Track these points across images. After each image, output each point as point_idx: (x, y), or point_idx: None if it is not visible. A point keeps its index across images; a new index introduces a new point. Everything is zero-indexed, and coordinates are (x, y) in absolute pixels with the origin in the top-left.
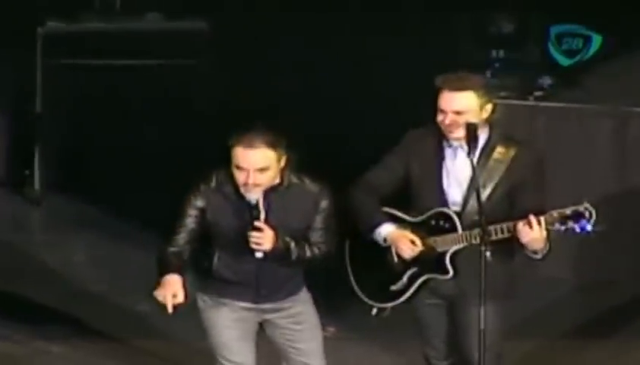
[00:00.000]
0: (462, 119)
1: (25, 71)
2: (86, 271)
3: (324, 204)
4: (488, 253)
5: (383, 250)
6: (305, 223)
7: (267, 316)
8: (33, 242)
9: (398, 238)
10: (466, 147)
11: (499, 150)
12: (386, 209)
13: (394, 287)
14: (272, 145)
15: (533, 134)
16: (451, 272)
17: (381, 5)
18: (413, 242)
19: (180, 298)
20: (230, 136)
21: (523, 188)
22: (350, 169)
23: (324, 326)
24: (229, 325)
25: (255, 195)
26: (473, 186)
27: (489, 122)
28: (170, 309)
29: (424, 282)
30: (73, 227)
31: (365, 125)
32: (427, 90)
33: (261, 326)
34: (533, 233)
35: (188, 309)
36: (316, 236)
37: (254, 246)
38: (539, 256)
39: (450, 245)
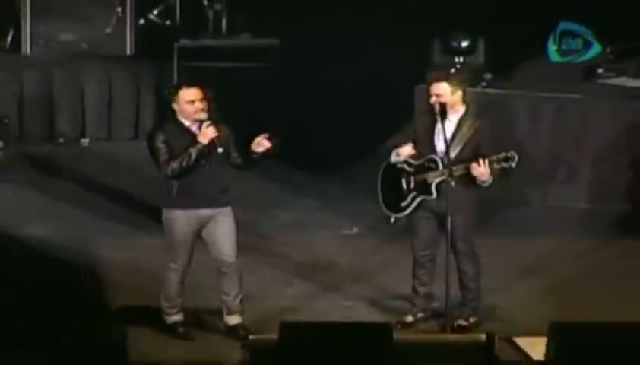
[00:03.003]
0: (442, 100)
1: (166, 71)
2: None
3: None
4: (453, 183)
5: (398, 182)
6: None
7: (208, 223)
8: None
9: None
10: (448, 118)
11: (469, 122)
12: (403, 157)
13: (403, 204)
14: (201, 86)
15: (481, 111)
16: (435, 194)
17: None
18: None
19: None
20: (294, 115)
21: (482, 146)
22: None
23: (350, 227)
24: (183, 236)
25: (204, 115)
26: (451, 142)
27: (466, 103)
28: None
29: (420, 201)
30: None
31: (373, 112)
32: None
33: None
34: (480, 169)
35: None
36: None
37: (216, 140)
38: (486, 185)
39: (435, 177)
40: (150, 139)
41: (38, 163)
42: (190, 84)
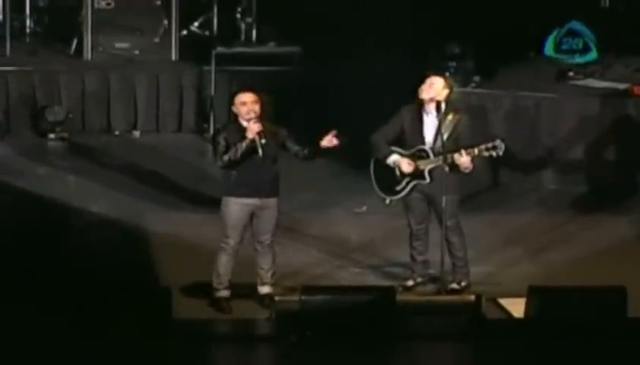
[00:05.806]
0: (432, 94)
1: (205, 74)
2: None
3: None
4: (447, 168)
5: (392, 169)
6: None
7: (257, 210)
8: (207, 163)
9: (401, 161)
10: (434, 112)
11: (451, 115)
12: (393, 147)
13: (398, 188)
14: (255, 91)
15: (469, 107)
16: (428, 179)
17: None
18: (409, 164)
19: None
20: (314, 112)
21: (462, 135)
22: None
23: (360, 206)
24: (236, 221)
25: (253, 115)
26: (439, 134)
27: (447, 99)
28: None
29: (414, 185)
30: None
31: (380, 109)
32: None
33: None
34: (462, 159)
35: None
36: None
37: (260, 134)
38: (467, 172)
39: (427, 165)
40: (214, 135)
41: (97, 152)
42: (243, 89)
